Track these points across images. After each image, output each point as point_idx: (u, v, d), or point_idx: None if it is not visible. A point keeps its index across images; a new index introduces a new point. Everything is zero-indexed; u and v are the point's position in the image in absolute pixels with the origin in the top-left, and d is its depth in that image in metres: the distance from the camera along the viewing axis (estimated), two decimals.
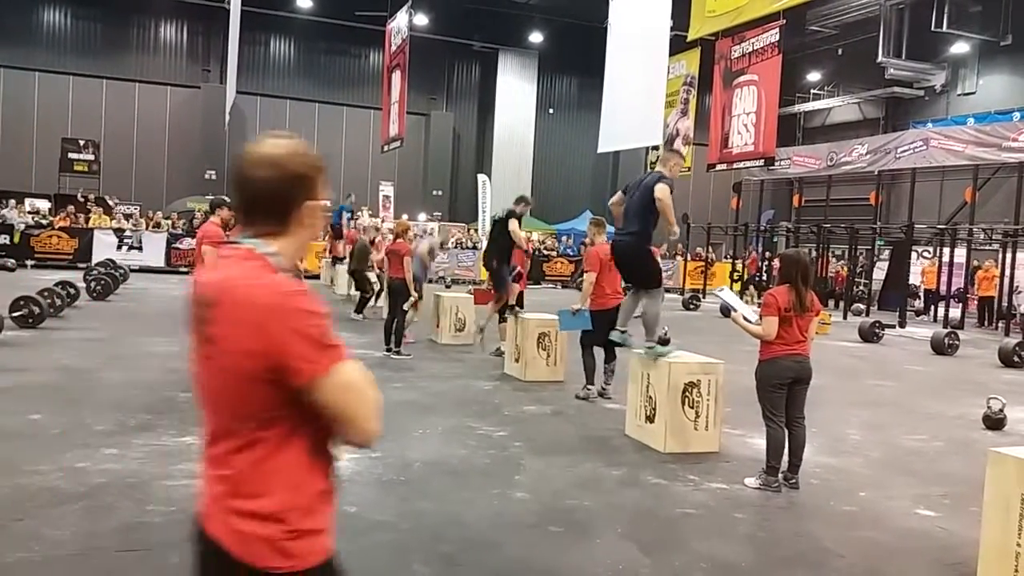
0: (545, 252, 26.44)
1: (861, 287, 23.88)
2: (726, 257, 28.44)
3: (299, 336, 1.45)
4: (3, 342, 9.06)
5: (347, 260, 15.45)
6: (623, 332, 6.98)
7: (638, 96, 19.96)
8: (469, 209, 30.44)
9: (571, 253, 27.01)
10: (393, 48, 26.85)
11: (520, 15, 31.89)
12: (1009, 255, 18.88)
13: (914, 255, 22.05)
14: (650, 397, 6.32)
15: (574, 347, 8.33)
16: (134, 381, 7.59)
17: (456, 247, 25.26)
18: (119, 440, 5.58)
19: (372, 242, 14.15)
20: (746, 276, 24.60)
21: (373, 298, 13.89)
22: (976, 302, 19.92)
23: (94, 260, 19.21)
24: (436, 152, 32.33)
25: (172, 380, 7.58)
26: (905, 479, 5.88)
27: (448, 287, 19.45)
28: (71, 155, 26.09)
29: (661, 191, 6.32)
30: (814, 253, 21.60)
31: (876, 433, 7.33)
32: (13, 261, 19.39)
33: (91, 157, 26.32)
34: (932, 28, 25.37)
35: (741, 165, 22.45)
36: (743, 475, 5.52)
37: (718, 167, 22.83)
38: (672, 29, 19.71)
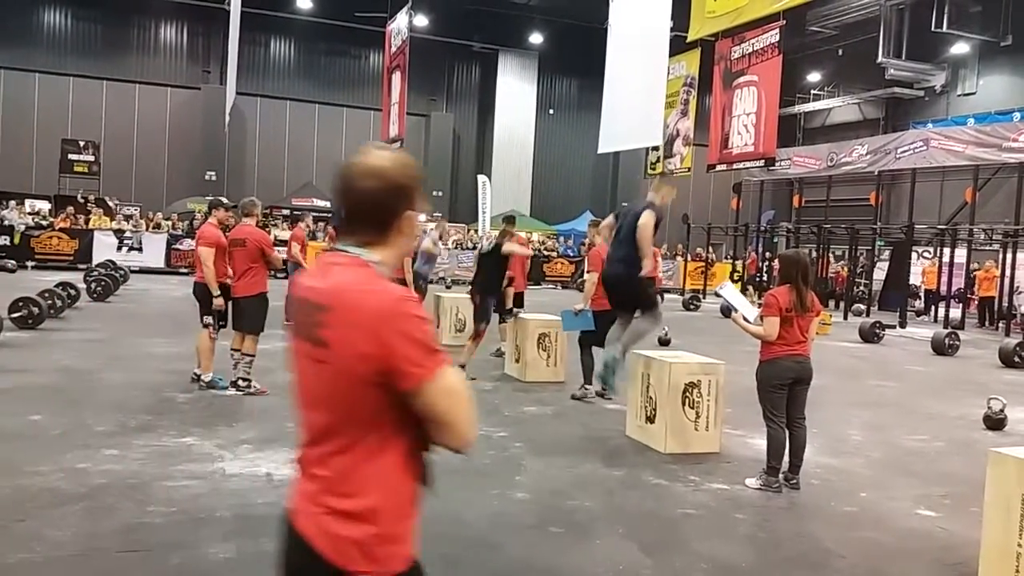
0: (545, 253, 26.45)
1: (861, 287, 23.89)
2: (726, 257, 28.46)
3: (409, 341, 1.49)
4: (3, 343, 9.06)
5: None
6: (616, 358, 6.59)
7: (638, 97, 19.97)
8: (469, 210, 30.43)
9: (571, 254, 27.03)
10: (393, 49, 26.89)
11: (520, 16, 31.91)
12: (1009, 255, 18.88)
13: (914, 255, 22.05)
14: (650, 397, 6.31)
15: (574, 348, 8.33)
16: (134, 382, 7.58)
17: (456, 248, 25.27)
18: (120, 441, 5.59)
19: None
20: (746, 276, 24.60)
21: None
22: (976, 302, 19.94)
23: (94, 261, 19.25)
24: (436, 153, 32.30)
25: (172, 381, 7.59)
26: (906, 479, 5.87)
27: (448, 288, 19.45)
28: (71, 156, 26.08)
29: (644, 218, 6.34)
30: (814, 253, 21.61)
31: (877, 433, 7.32)
32: (13, 262, 19.38)
33: (91, 158, 26.32)
34: (932, 28, 25.38)
35: (741, 165, 22.46)
36: (744, 476, 5.52)
37: (718, 167, 22.83)
38: (672, 30, 19.73)
